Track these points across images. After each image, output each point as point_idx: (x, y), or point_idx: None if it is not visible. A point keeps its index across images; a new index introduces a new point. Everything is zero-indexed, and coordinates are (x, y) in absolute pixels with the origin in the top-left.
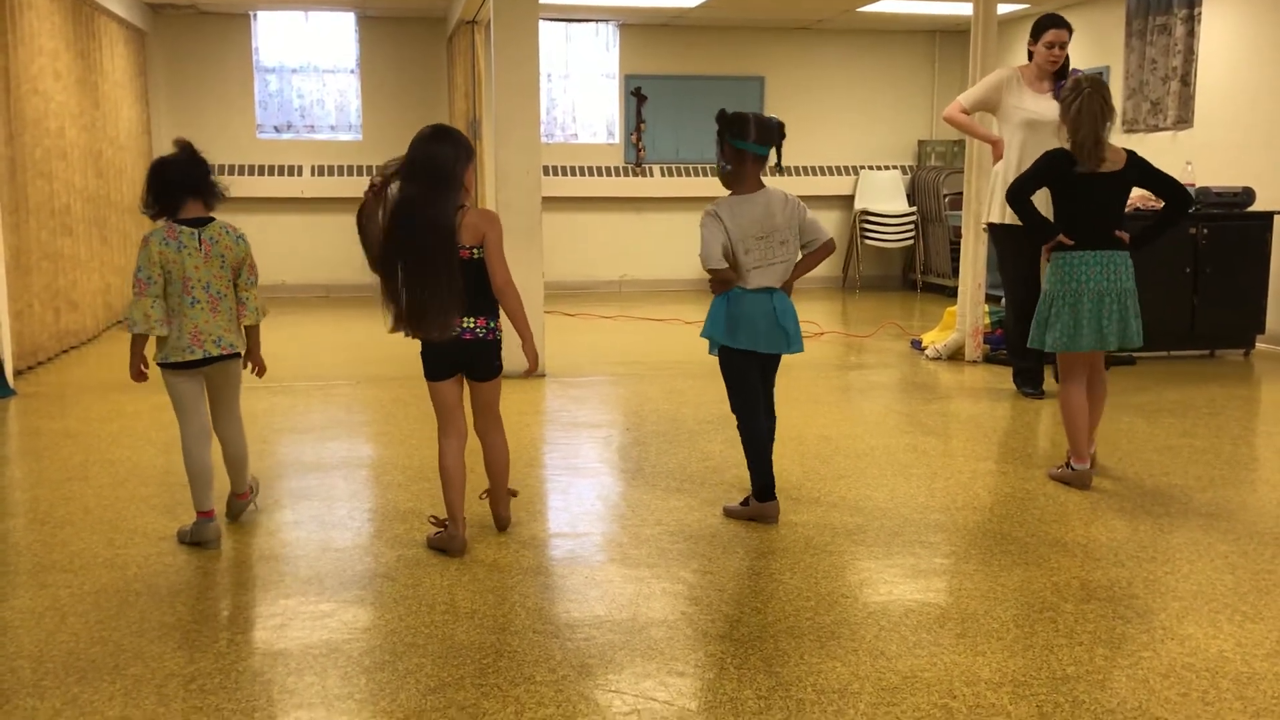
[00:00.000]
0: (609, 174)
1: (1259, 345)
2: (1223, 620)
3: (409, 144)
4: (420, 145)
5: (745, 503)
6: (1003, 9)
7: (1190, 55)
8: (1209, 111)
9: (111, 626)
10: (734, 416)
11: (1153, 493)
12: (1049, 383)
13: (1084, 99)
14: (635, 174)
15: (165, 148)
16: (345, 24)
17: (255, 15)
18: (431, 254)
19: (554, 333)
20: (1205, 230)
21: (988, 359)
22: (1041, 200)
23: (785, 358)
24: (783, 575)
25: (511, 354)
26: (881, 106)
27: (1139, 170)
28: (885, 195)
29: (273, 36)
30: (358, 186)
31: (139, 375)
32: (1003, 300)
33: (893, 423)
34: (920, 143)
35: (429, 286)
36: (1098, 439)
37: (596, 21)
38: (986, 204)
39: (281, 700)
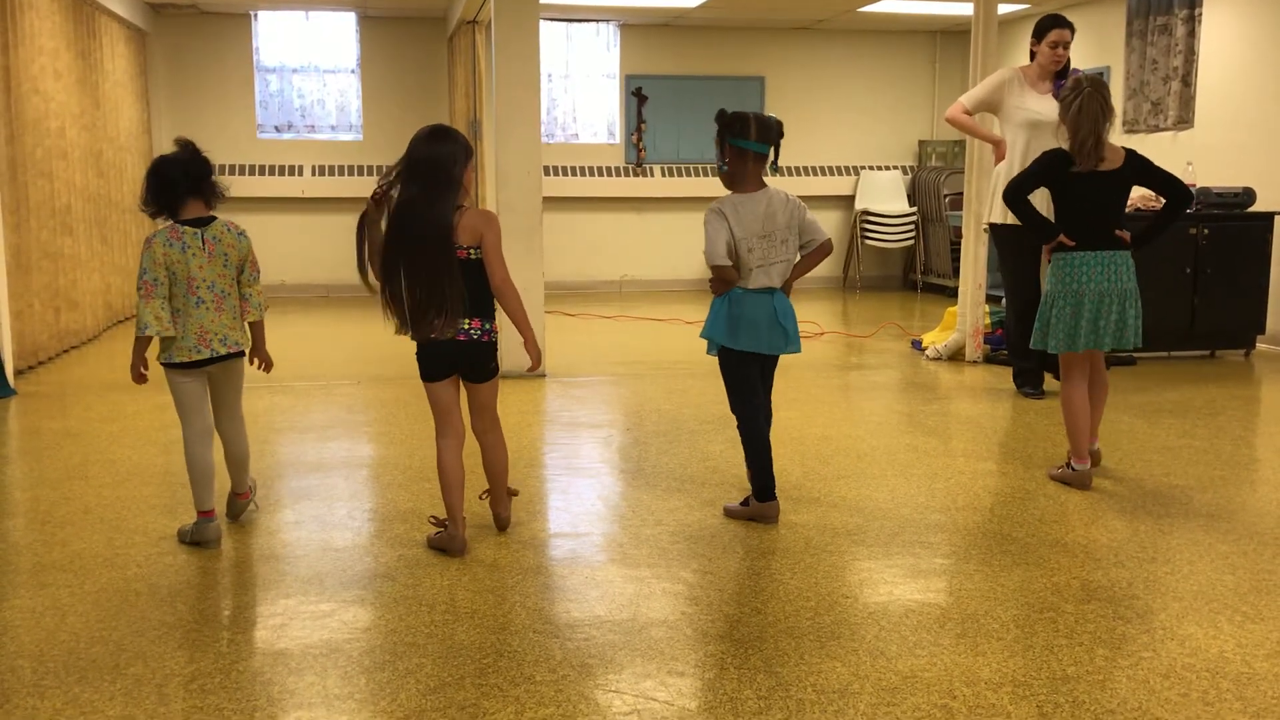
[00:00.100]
0: (609, 174)
1: (1259, 346)
2: (1223, 621)
3: (408, 144)
4: (419, 145)
5: (745, 503)
6: (1003, 9)
7: (1191, 55)
8: (1209, 112)
9: (112, 626)
10: (734, 417)
11: (1153, 493)
12: (1049, 383)
13: (1084, 98)
14: (636, 174)
15: (166, 147)
16: (346, 24)
17: (256, 15)
18: (431, 254)
19: (554, 333)
20: (1206, 230)
21: (988, 359)
22: (1042, 201)
23: (785, 357)
24: (783, 575)
25: (513, 353)
26: (882, 107)
27: (1138, 168)
28: (886, 195)
29: (273, 36)
30: (358, 187)
31: (139, 378)
32: (1003, 301)
33: (893, 423)
34: (921, 143)
35: (430, 286)
36: (1101, 437)
37: (597, 21)
38: (988, 204)
39: (282, 700)
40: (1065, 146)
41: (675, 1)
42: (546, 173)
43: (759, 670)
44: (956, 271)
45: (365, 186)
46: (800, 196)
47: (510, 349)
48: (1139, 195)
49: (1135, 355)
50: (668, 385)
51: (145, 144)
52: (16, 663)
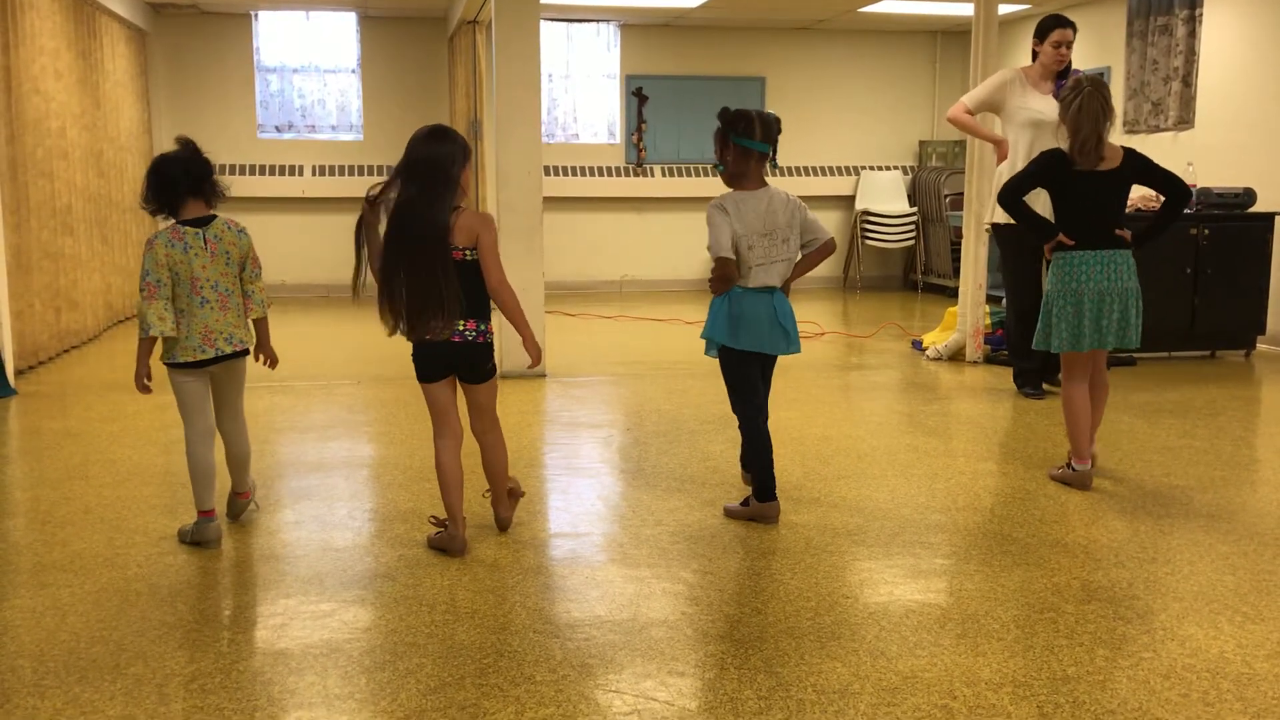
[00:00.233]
0: (610, 174)
1: (1259, 346)
2: (1223, 621)
3: (406, 144)
4: (418, 145)
5: (746, 503)
6: (1004, 9)
7: (1191, 56)
8: (1210, 112)
9: (112, 626)
10: (734, 417)
11: (1153, 493)
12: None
13: (1084, 98)
14: (636, 174)
15: (166, 147)
16: (346, 24)
17: (256, 15)
18: (429, 254)
19: (555, 333)
20: (1206, 231)
21: (988, 359)
22: (1041, 201)
23: (785, 357)
24: (783, 575)
25: (514, 352)
26: (882, 107)
27: (1137, 167)
28: (886, 195)
29: (274, 36)
30: (359, 187)
31: (143, 388)
32: (1003, 301)
33: (893, 423)
34: (921, 143)
35: (426, 286)
36: (1099, 439)
37: (598, 22)
38: (989, 205)
39: (282, 700)
40: (1065, 146)
41: (676, 1)
42: (547, 173)
43: (759, 670)
44: (957, 272)
45: (365, 187)
46: (801, 196)
47: (510, 348)
48: (1139, 195)
49: (1135, 355)
50: (668, 385)
51: (146, 144)
52: (17, 662)
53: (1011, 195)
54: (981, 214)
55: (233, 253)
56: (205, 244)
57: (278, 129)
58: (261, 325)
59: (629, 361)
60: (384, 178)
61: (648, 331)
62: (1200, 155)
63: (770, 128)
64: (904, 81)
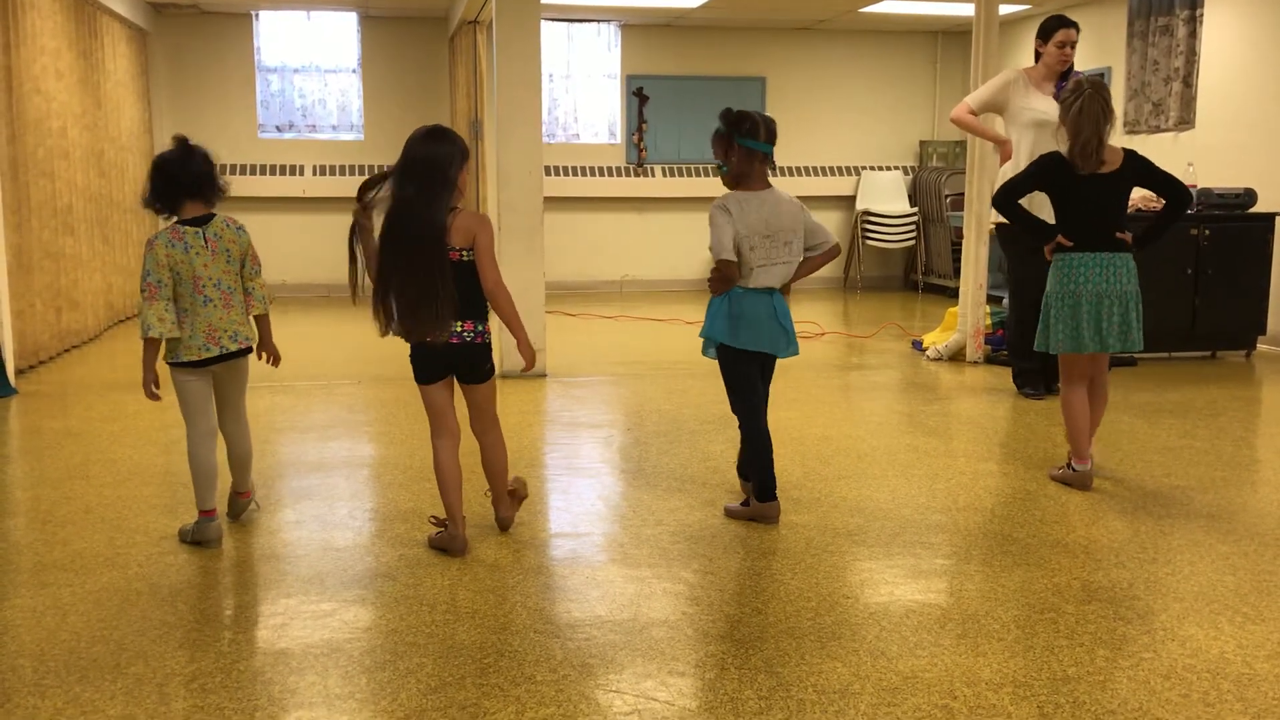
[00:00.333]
0: (610, 174)
1: (1260, 346)
2: (1224, 621)
3: (404, 144)
4: (416, 145)
5: (746, 503)
6: (1005, 10)
7: (1192, 56)
8: (1211, 113)
9: (113, 625)
10: (734, 417)
11: (1154, 494)
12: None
13: (1084, 100)
14: (637, 174)
15: (167, 147)
16: (347, 24)
17: (257, 15)
18: (426, 254)
19: (555, 333)
20: (1207, 231)
21: (989, 360)
22: (1041, 203)
23: (784, 358)
24: (783, 576)
25: (511, 353)
26: (883, 107)
27: (1138, 169)
28: (887, 196)
29: (274, 36)
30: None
31: (152, 394)
32: (1004, 301)
33: (894, 423)
34: (922, 143)
35: (422, 286)
36: (1097, 441)
37: (598, 22)
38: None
39: (283, 699)
40: (1065, 149)
41: (676, 2)
42: (547, 173)
43: (760, 670)
44: (957, 272)
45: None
46: (801, 197)
47: (510, 348)
48: (1140, 196)
49: (1136, 356)
50: (668, 385)
51: (146, 144)
52: (17, 662)
53: (1007, 197)
54: (982, 214)
55: (233, 250)
56: (205, 243)
57: (278, 129)
58: (263, 322)
59: (629, 361)
60: (377, 174)
61: (648, 331)
62: (1201, 156)
63: (771, 129)
64: (905, 82)
